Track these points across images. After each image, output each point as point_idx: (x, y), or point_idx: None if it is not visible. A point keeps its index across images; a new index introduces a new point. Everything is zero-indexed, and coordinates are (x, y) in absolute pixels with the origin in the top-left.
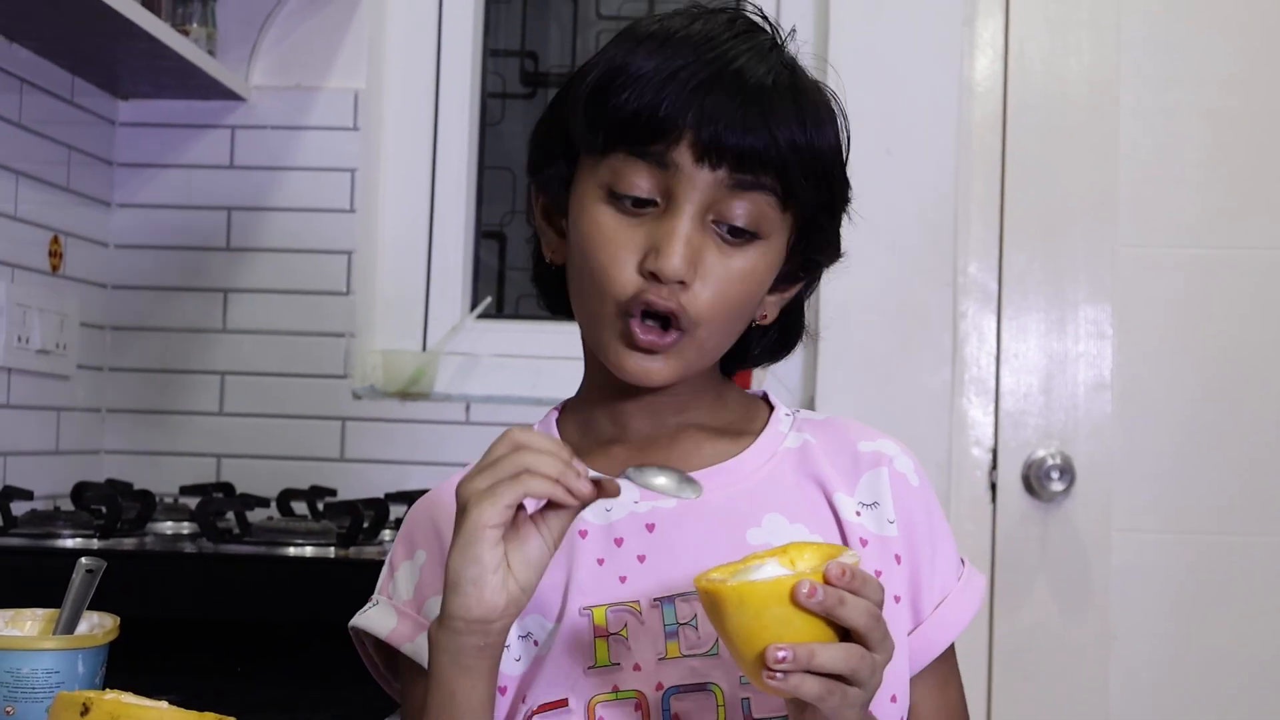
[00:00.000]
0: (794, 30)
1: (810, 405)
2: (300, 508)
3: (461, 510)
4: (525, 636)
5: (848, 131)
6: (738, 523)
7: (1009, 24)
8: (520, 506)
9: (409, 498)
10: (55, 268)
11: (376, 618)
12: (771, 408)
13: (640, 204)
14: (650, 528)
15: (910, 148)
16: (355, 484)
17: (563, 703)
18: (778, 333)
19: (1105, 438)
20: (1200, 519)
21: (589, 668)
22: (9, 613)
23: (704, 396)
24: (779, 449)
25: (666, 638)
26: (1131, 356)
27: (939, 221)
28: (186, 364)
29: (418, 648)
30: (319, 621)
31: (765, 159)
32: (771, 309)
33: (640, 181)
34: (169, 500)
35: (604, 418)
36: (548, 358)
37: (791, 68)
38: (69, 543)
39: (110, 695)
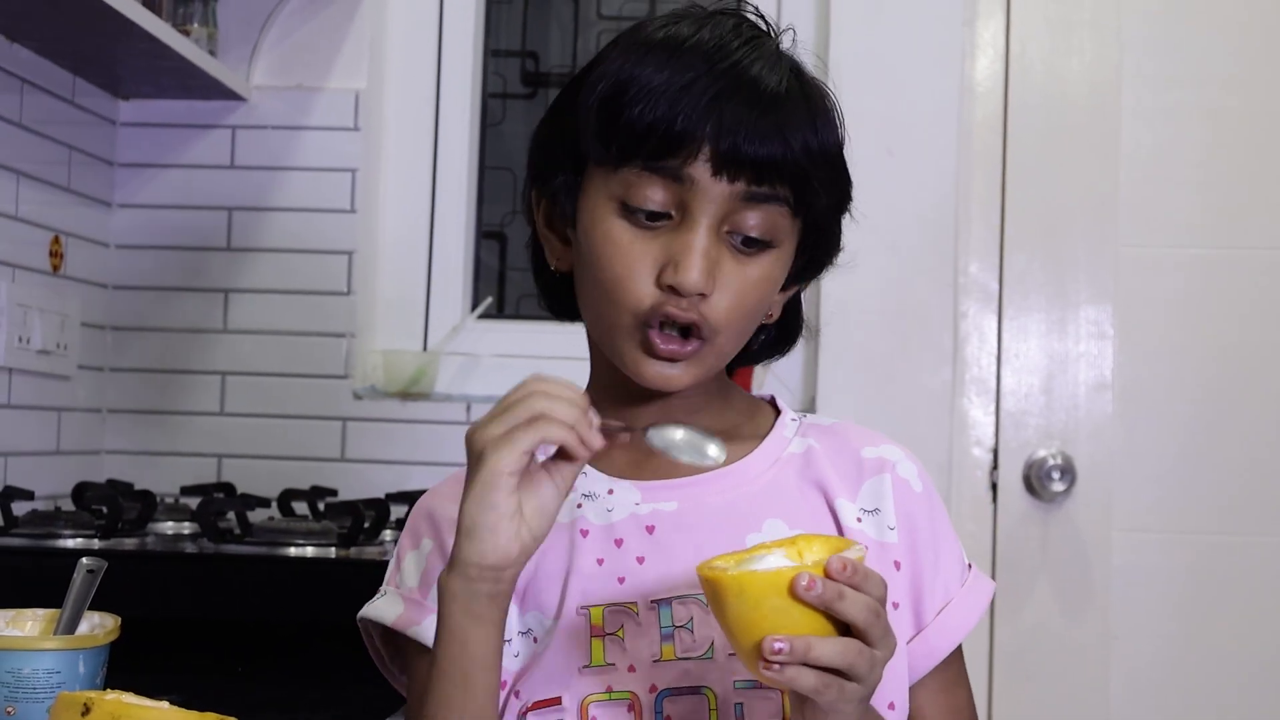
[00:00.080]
0: (793, 30)
1: (811, 405)
2: (301, 508)
3: (477, 457)
4: (525, 633)
5: (845, 126)
6: (738, 526)
7: (1010, 24)
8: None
9: (410, 498)
10: (56, 268)
11: (384, 606)
12: (778, 412)
13: (654, 217)
14: (650, 529)
15: (911, 148)
16: (356, 484)
17: (556, 701)
18: (777, 329)
19: (1106, 438)
20: (1201, 519)
21: (583, 667)
22: (10, 613)
23: (711, 400)
24: (783, 454)
25: (662, 640)
26: (1132, 356)
27: (940, 221)
28: (187, 364)
29: (424, 630)
30: (320, 622)
31: (781, 169)
32: (777, 308)
33: (655, 195)
34: (170, 500)
35: (610, 419)
36: (548, 358)
37: (798, 72)
38: (70, 543)
39: (111, 695)
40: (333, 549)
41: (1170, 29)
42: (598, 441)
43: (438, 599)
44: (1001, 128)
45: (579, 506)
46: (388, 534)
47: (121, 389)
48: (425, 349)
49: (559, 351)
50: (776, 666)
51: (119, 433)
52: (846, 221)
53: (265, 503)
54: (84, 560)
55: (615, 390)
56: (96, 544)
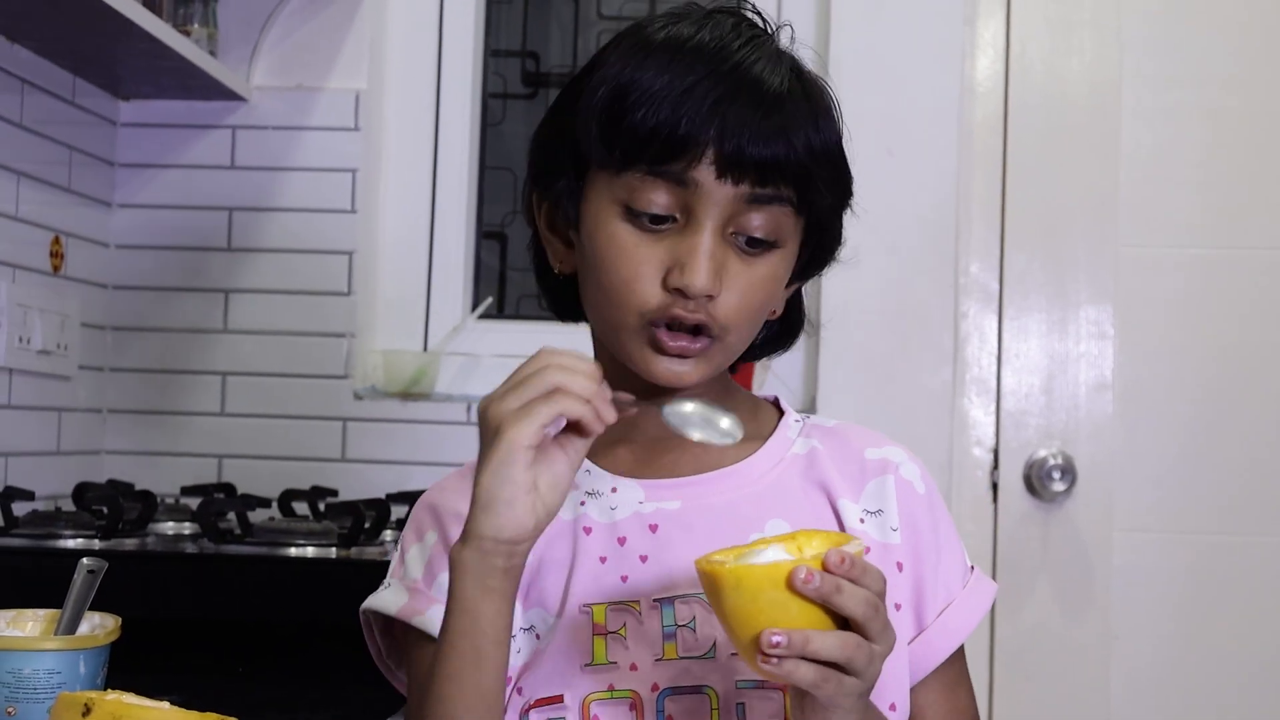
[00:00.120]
0: (790, 26)
1: (811, 406)
2: (301, 508)
3: (494, 431)
4: (529, 629)
5: (844, 120)
6: (741, 526)
7: (1010, 24)
8: None
9: (410, 498)
10: (56, 268)
11: (388, 597)
12: (781, 412)
13: (658, 220)
14: (653, 528)
15: (911, 148)
16: (356, 484)
17: (558, 699)
18: (780, 325)
19: (1107, 438)
20: (1202, 519)
21: (585, 665)
22: (10, 613)
23: (714, 400)
24: (786, 454)
25: (664, 639)
26: (1133, 356)
27: (940, 222)
28: (188, 364)
29: (428, 620)
30: (320, 622)
31: (785, 170)
32: (780, 303)
33: (659, 199)
34: (170, 501)
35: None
36: None
37: (798, 70)
38: (70, 543)
39: (112, 696)
40: (333, 549)
41: (1170, 29)
42: (612, 415)
43: (449, 573)
44: (1002, 128)
45: (582, 504)
46: (388, 534)
47: (122, 389)
48: (426, 349)
49: None
50: (774, 660)
51: (119, 433)
52: (848, 219)
53: (266, 503)
54: (84, 560)
55: (621, 389)
56: (97, 544)
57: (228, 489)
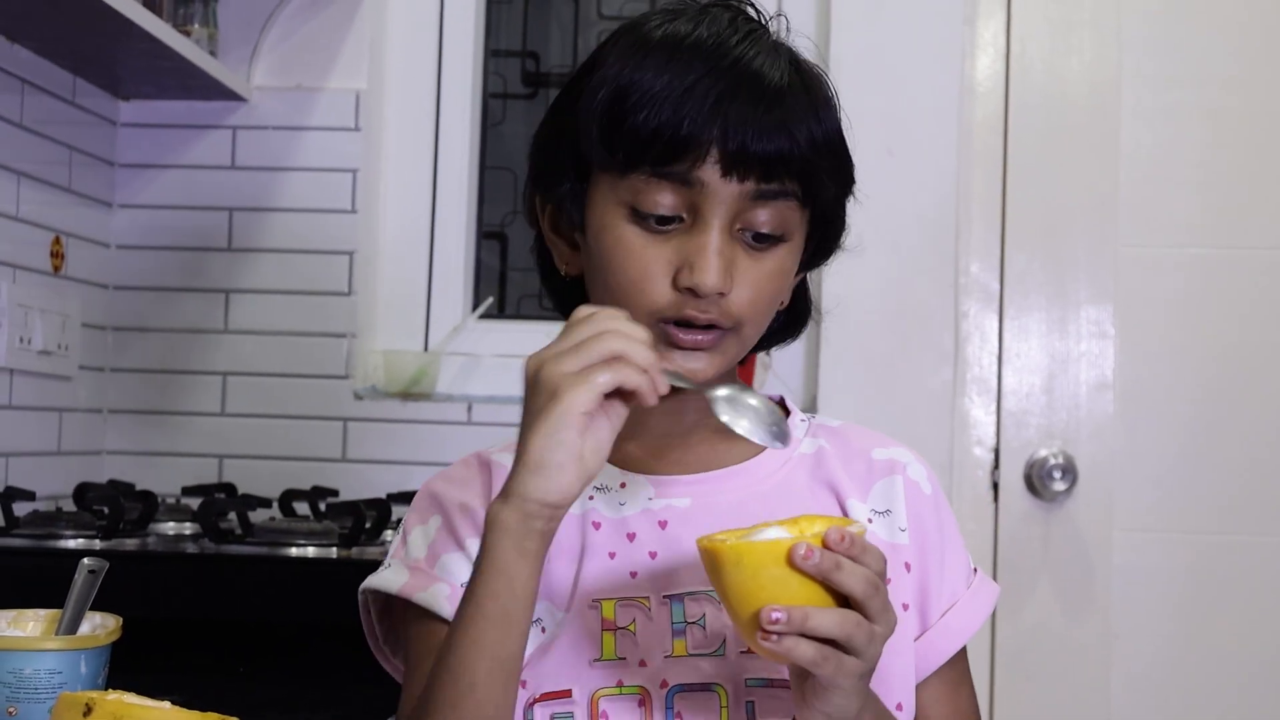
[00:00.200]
0: (784, 16)
1: (812, 405)
2: (302, 508)
3: (551, 392)
4: (535, 622)
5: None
6: (749, 524)
7: (1010, 24)
8: None
9: (411, 498)
10: (57, 268)
11: (389, 576)
12: (787, 412)
13: (664, 221)
14: (663, 525)
15: (911, 148)
16: (357, 484)
17: (566, 693)
18: (787, 314)
19: (1107, 437)
20: (1202, 518)
21: (594, 660)
22: (11, 613)
23: None
24: (794, 454)
25: (674, 635)
26: (1133, 356)
27: (940, 221)
28: (188, 364)
29: (430, 596)
30: (320, 622)
31: (789, 164)
32: (786, 293)
33: (664, 200)
34: (171, 501)
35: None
36: None
37: (795, 62)
38: (71, 543)
39: (113, 695)
40: (334, 549)
41: (1170, 29)
42: (665, 387)
43: (485, 532)
44: (1002, 127)
45: (590, 498)
46: (389, 534)
47: (122, 389)
48: (426, 349)
49: None
50: (774, 637)
51: (120, 433)
52: (851, 210)
53: (266, 503)
54: (85, 561)
55: None
56: (98, 544)
57: (228, 489)
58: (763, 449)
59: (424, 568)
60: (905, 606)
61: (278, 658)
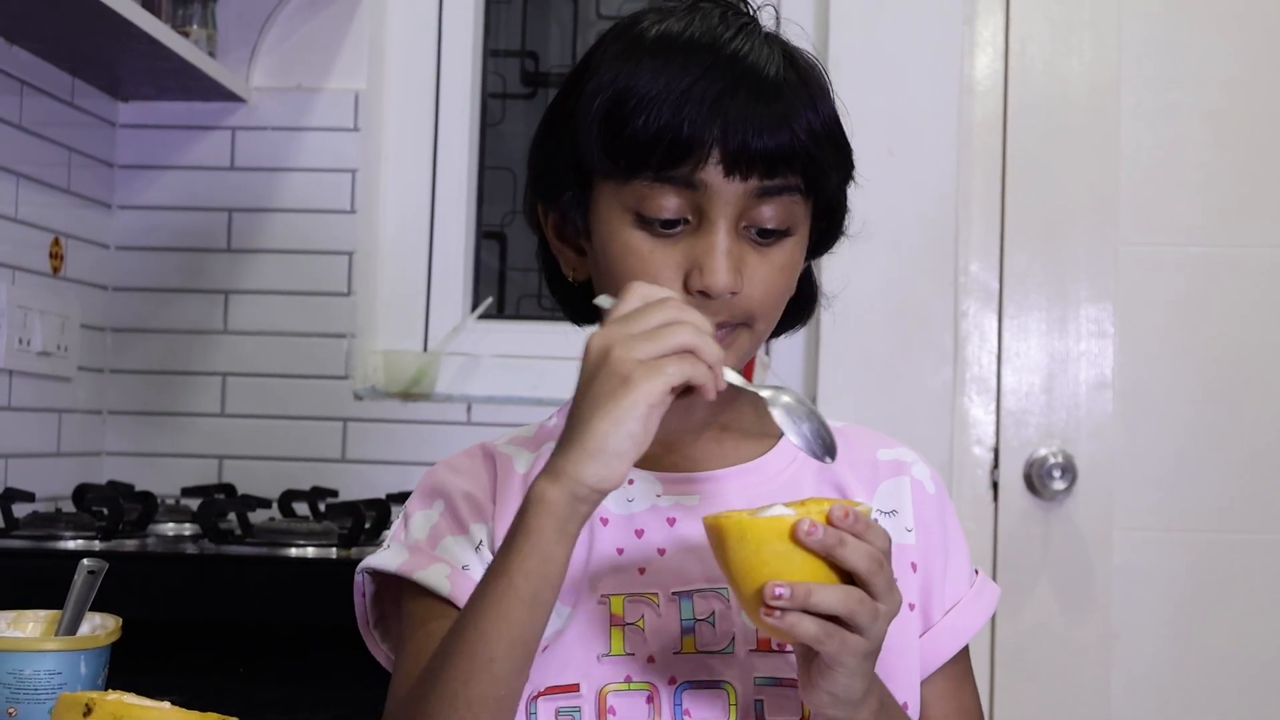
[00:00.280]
0: (773, 6)
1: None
2: (302, 509)
3: (622, 377)
4: None
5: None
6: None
7: (1009, 23)
8: None
9: None
10: (56, 269)
11: (388, 556)
12: None
13: (670, 224)
14: (671, 521)
15: (911, 148)
16: (357, 485)
17: (574, 688)
18: (793, 303)
19: (1107, 437)
20: (1202, 518)
21: (603, 655)
22: (11, 614)
23: (732, 398)
24: (800, 453)
25: (683, 632)
26: (1133, 355)
27: (940, 221)
28: (188, 365)
29: (430, 575)
30: (320, 622)
31: (791, 159)
32: (794, 283)
33: (669, 204)
34: (170, 501)
35: None
36: (549, 358)
37: (788, 52)
38: (71, 544)
39: (113, 696)
40: (334, 550)
41: (1170, 29)
42: (724, 385)
43: (525, 509)
44: (1001, 127)
45: None
46: (389, 534)
47: (122, 390)
48: (426, 349)
49: (559, 352)
50: (777, 613)
51: (120, 434)
52: (851, 198)
53: (266, 503)
54: (85, 561)
55: None
56: (97, 545)
57: (228, 490)
58: (770, 447)
59: (425, 548)
60: (911, 607)
61: (277, 658)
